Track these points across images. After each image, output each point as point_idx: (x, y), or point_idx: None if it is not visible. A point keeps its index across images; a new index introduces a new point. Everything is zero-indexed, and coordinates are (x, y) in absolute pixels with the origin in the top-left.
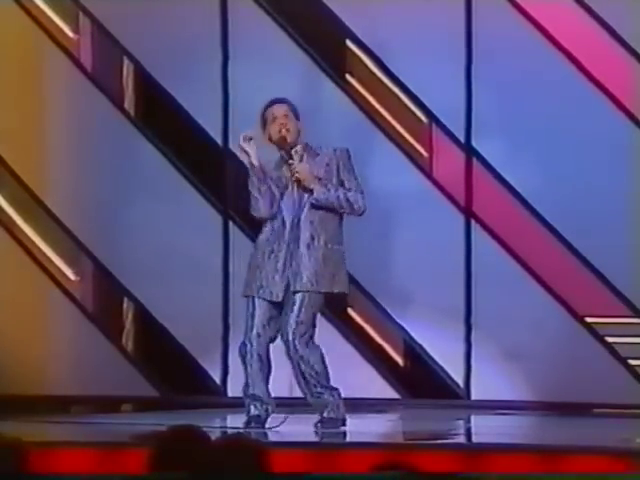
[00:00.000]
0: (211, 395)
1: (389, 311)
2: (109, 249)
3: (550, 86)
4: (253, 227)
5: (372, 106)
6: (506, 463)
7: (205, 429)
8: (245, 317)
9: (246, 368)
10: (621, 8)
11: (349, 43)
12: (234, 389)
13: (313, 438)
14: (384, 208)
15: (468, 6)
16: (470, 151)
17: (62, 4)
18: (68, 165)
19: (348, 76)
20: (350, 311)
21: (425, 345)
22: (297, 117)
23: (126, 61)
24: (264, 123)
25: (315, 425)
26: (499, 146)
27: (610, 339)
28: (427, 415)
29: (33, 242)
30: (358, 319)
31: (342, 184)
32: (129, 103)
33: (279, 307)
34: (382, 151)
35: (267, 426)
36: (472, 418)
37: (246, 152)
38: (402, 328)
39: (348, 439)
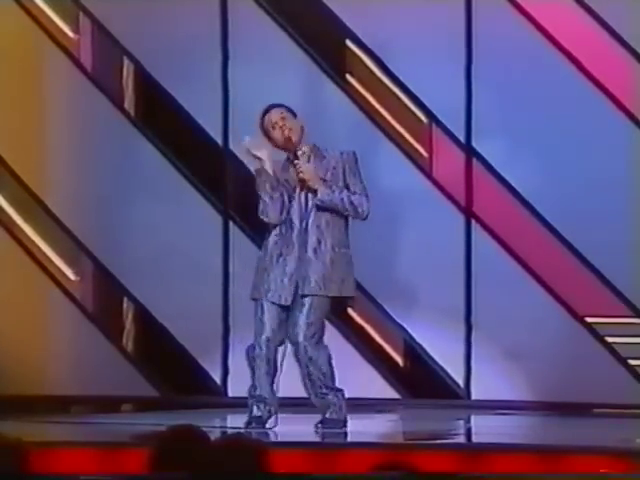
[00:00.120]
0: (211, 395)
1: (389, 311)
2: (109, 249)
3: (550, 86)
4: (253, 227)
5: (372, 106)
6: (506, 463)
7: (205, 429)
8: (254, 320)
9: (254, 371)
10: (621, 8)
11: (349, 43)
12: (234, 389)
13: (313, 438)
14: (384, 208)
15: (468, 6)
16: (470, 151)
17: (62, 4)
18: (68, 165)
19: (348, 76)
20: (350, 311)
21: (425, 345)
22: (294, 115)
23: (126, 61)
24: (266, 133)
25: (316, 425)
26: (499, 146)
27: (610, 339)
28: (427, 415)
29: (33, 242)
30: (358, 319)
31: (347, 187)
32: (129, 103)
33: (287, 310)
34: (382, 151)
35: (268, 426)
36: (472, 418)
37: (259, 158)
38: (402, 328)
39: (348, 439)
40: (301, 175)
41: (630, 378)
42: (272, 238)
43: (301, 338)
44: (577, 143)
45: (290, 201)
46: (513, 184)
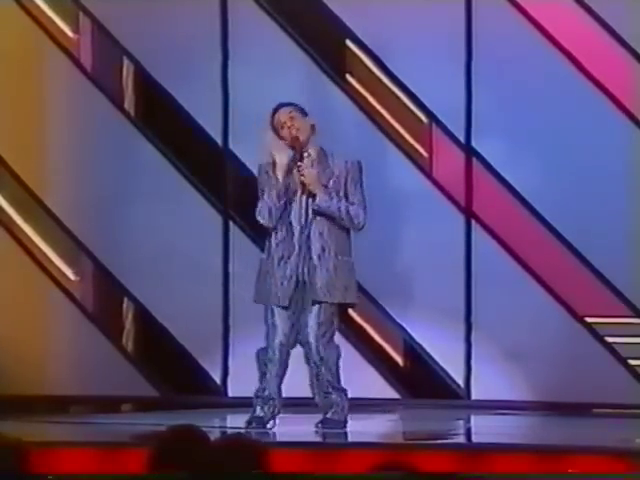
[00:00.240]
0: (211, 395)
1: (389, 311)
2: (109, 249)
3: (550, 86)
4: (253, 227)
5: (372, 106)
6: (506, 463)
7: (205, 429)
8: (265, 325)
9: (265, 373)
10: (621, 8)
11: (349, 43)
12: (234, 389)
13: (314, 438)
14: (384, 208)
15: (468, 6)
16: (470, 151)
17: (62, 4)
18: (68, 165)
19: (348, 76)
20: (350, 311)
21: (425, 345)
22: (304, 114)
23: (126, 61)
24: (276, 132)
25: (316, 425)
26: (499, 146)
27: (610, 339)
28: (427, 415)
29: (33, 242)
30: (358, 319)
31: (347, 196)
32: (129, 103)
33: (297, 313)
34: (382, 151)
35: (268, 427)
36: (472, 418)
37: (274, 161)
38: (402, 328)
39: (348, 439)
40: (302, 178)
41: (630, 378)
42: (274, 241)
43: (312, 338)
44: (577, 143)
45: (291, 203)
46: (513, 184)
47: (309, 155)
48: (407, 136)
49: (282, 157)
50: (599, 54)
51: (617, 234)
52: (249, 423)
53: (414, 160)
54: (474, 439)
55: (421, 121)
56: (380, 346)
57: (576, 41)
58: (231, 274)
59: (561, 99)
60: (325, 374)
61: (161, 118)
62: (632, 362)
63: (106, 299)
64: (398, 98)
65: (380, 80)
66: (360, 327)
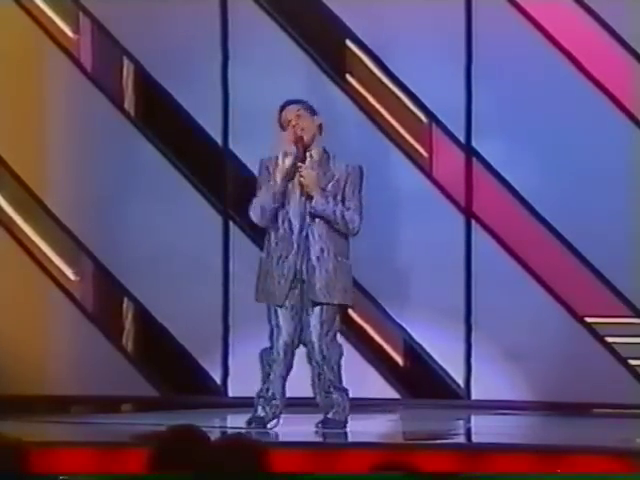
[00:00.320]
0: (211, 395)
1: (389, 311)
2: (109, 249)
3: (550, 86)
4: (253, 227)
5: (372, 106)
6: (506, 463)
7: (205, 429)
8: (268, 325)
9: (269, 374)
10: (621, 8)
11: (349, 43)
12: (234, 389)
13: (314, 438)
14: (384, 208)
15: (468, 6)
16: (470, 151)
17: (62, 4)
18: (68, 165)
19: (348, 76)
20: (350, 311)
21: (425, 345)
22: (313, 113)
23: (126, 61)
24: (282, 128)
25: (316, 425)
26: (499, 146)
27: (610, 339)
28: (427, 415)
29: (33, 242)
30: (358, 319)
31: (344, 200)
32: (129, 103)
33: (300, 313)
34: (382, 151)
35: (269, 426)
36: (472, 418)
37: (277, 163)
38: (402, 328)
39: (349, 439)
40: (302, 179)
41: (630, 378)
42: (273, 240)
43: (315, 337)
44: (577, 143)
45: (289, 202)
46: (513, 184)
47: (311, 157)
48: (407, 136)
49: (287, 159)
50: (599, 54)
51: (617, 234)
52: (250, 423)
53: (414, 160)
54: (474, 439)
55: (421, 121)
56: (380, 346)
57: (576, 41)
58: (231, 274)
59: (561, 99)
60: (327, 373)
61: (161, 118)
62: (632, 362)
63: (106, 299)
64: (398, 98)
65: (380, 80)
66: (360, 327)
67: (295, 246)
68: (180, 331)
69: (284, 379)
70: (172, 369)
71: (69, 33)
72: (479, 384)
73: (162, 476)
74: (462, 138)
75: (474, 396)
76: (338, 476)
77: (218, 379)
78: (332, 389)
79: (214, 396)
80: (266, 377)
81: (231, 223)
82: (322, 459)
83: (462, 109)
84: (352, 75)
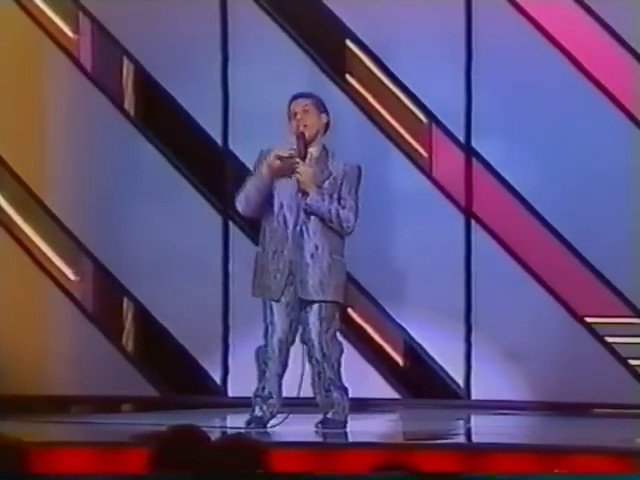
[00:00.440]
0: (211, 395)
1: (389, 311)
2: (109, 249)
3: (550, 86)
4: (253, 227)
5: (372, 106)
6: (506, 463)
7: (205, 429)
8: (263, 322)
9: (264, 371)
10: (621, 8)
11: (349, 43)
12: (234, 389)
13: (314, 438)
14: (384, 208)
15: (468, 6)
16: (470, 151)
17: (62, 4)
18: (68, 165)
19: (348, 76)
20: (350, 311)
21: (425, 345)
22: (321, 110)
23: (126, 61)
24: (289, 118)
25: (316, 425)
26: (499, 146)
27: (610, 339)
28: (427, 415)
29: (33, 242)
30: (358, 319)
31: (340, 199)
32: (129, 103)
33: (296, 310)
34: (382, 151)
35: (268, 426)
36: (472, 418)
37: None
38: (402, 328)
39: (348, 439)
40: (298, 176)
41: (630, 378)
42: (268, 234)
43: (314, 335)
44: (577, 143)
45: (285, 196)
46: (513, 184)
47: (310, 153)
48: (407, 136)
49: (278, 159)
50: (599, 54)
51: (617, 234)
52: (249, 423)
53: (414, 160)
54: (474, 439)
55: (421, 121)
56: (380, 346)
57: (576, 41)
58: (231, 274)
59: (561, 99)
60: (327, 371)
61: (161, 118)
62: (632, 362)
63: (106, 299)
64: (398, 98)
65: (380, 80)
66: (360, 327)
67: (290, 240)
68: (180, 331)
69: (280, 377)
70: (172, 369)
71: (69, 33)
72: (479, 384)
73: (162, 476)
74: (462, 138)
75: (474, 396)
76: (338, 476)
77: (218, 379)
78: (332, 387)
79: (214, 396)
80: (262, 375)
81: (231, 223)
82: (322, 459)
83: (462, 109)
84: (352, 75)
